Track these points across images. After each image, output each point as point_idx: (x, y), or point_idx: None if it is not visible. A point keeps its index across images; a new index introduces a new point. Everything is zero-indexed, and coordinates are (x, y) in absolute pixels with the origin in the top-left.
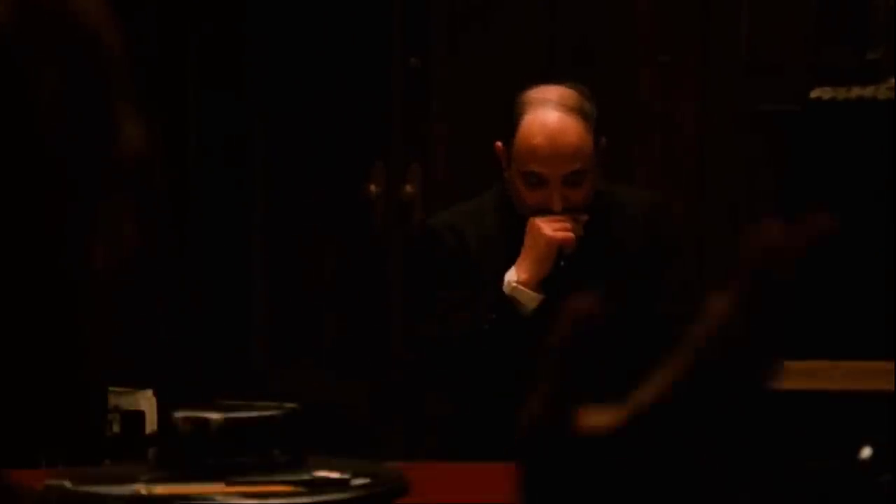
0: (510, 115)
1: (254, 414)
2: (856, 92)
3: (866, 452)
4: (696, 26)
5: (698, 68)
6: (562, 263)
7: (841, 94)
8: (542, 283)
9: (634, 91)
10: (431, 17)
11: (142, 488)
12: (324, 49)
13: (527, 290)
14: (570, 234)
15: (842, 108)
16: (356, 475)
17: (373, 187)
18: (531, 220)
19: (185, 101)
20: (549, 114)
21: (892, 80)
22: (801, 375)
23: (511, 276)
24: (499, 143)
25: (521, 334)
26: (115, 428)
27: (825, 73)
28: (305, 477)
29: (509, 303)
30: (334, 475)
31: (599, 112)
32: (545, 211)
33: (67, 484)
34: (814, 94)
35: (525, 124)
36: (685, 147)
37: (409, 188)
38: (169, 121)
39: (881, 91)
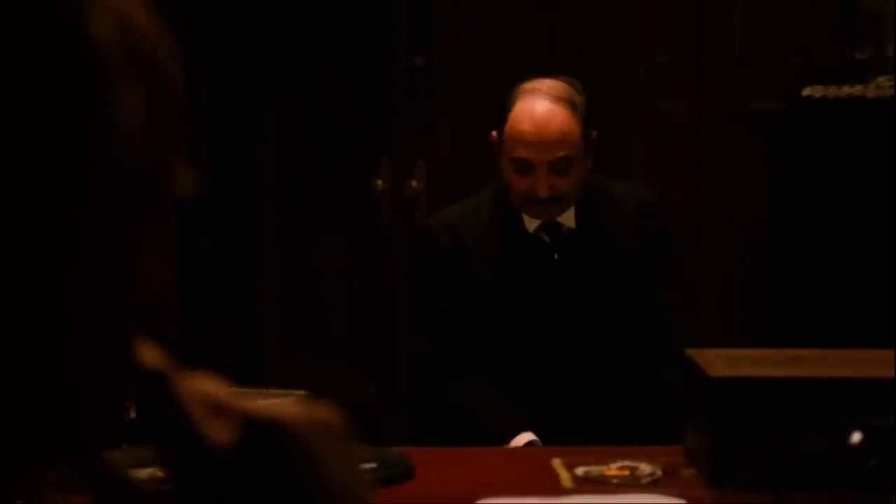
0: (503, 106)
1: None
2: (845, 90)
3: (856, 437)
4: (692, 27)
5: (694, 68)
6: (555, 256)
7: (831, 92)
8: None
9: (632, 89)
10: (436, 17)
11: (157, 472)
12: (331, 49)
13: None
14: None
15: (832, 105)
16: (363, 460)
17: (379, 183)
18: None
19: (195, 100)
20: (537, 102)
21: (881, 79)
22: (794, 362)
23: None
24: (493, 133)
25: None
26: (132, 414)
27: (816, 73)
28: None
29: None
30: None
31: (594, 107)
32: (532, 198)
33: None
34: (805, 92)
35: (514, 112)
36: (681, 144)
37: (414, 184)
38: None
39: (870, 89)
